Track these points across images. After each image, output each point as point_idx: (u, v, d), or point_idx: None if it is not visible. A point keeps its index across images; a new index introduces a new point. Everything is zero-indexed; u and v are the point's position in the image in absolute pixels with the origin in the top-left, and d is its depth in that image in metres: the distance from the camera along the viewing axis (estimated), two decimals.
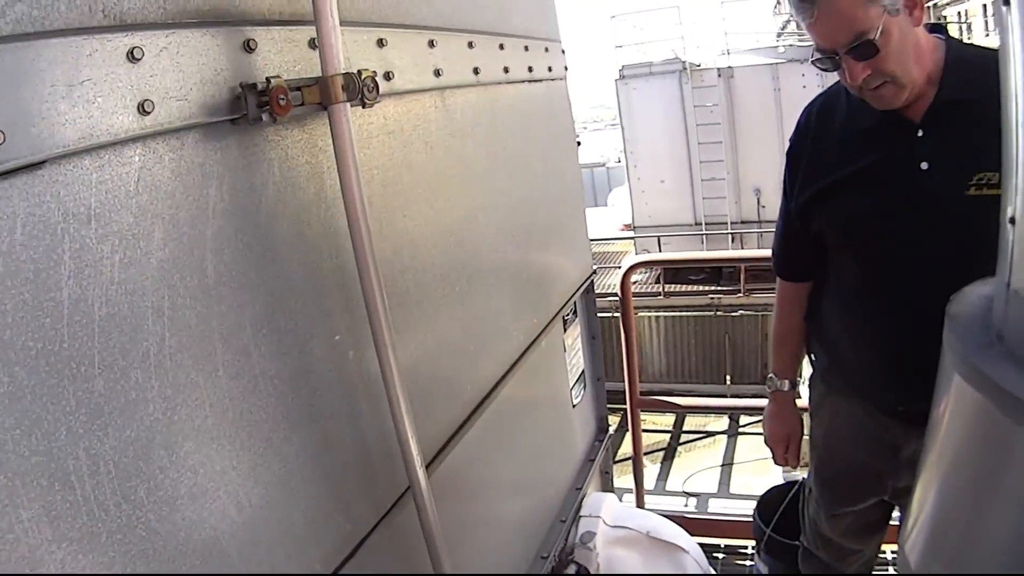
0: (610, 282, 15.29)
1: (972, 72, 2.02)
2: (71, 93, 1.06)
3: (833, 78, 2.16)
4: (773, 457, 2.91)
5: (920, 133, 2.08)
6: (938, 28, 2.18)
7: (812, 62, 2.11)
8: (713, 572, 3.67)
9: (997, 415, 0.95)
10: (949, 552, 1.14)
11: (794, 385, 2.80)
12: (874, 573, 3.06)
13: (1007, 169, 1.00)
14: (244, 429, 1.40)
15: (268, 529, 1.46)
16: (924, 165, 2.07)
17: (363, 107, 1.57)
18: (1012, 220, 0.99)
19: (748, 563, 4.41)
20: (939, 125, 2.07)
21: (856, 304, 2.37)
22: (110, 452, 1.12)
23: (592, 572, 3.25)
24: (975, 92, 1.95)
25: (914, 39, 2.00)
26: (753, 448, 13.53)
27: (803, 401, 2.79)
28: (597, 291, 3.87)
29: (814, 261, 2.50)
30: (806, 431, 2.84)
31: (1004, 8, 0.94)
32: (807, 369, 2.78)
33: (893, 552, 3.43)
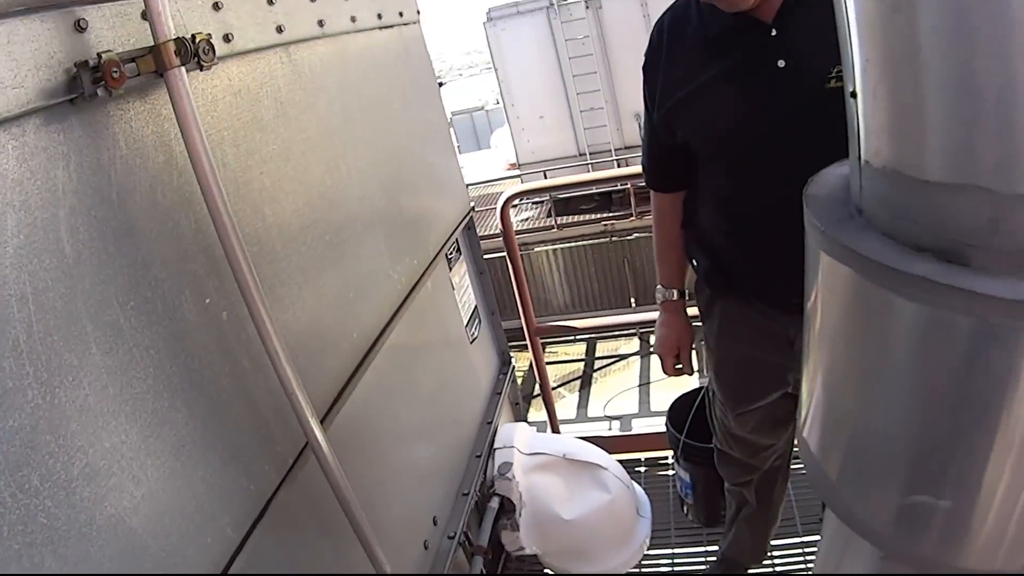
0: (498, 223, 15.29)
1: None
2: None
3: None
4: (662, 366, 2.98)
5: (773, 32, 2.09)
6: None
7: None
8: (636, 484, 3.77)
9: (866, 284, 0.97)
10: (844, 430, 1.16)
11: (682, 294, 2.86)
12: (792, 465, 3.16)
13: (842, 45, 1.03)
14: (127, 403, 1.40)
15: (170, 499, 1.47)
16: (781, 63, 2.09)
17: (200, 70, 1.57)
18: (853, 94, 1.02)
19: (670, 473, 4.48)
20: (792, 23, 2.07)
21: (730, 206, 2.40)
22: None
23: (515, 501, 3.31)
24: None
25: None
26: None
27: (694, 310, 2.83)
28: (488, 232, 3.88)
29: (684, 171, 2.52)
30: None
31: None
32: (692, 277, 2.80)
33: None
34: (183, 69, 1.50)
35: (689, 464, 3.44)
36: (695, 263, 2.66)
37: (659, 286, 2.89)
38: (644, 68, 2.44)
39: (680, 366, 2.97)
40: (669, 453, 4.53)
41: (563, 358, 14.75)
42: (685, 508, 3.69)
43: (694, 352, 2.97)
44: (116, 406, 1.38)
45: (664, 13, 2.39)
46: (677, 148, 2.42)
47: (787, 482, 3.19)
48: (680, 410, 3.50)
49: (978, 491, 0.96)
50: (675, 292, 2.86)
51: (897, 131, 0.96)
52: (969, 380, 0.90)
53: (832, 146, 1.96)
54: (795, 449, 3.09)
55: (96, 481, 1.30)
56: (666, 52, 2.34)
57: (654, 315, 3.01)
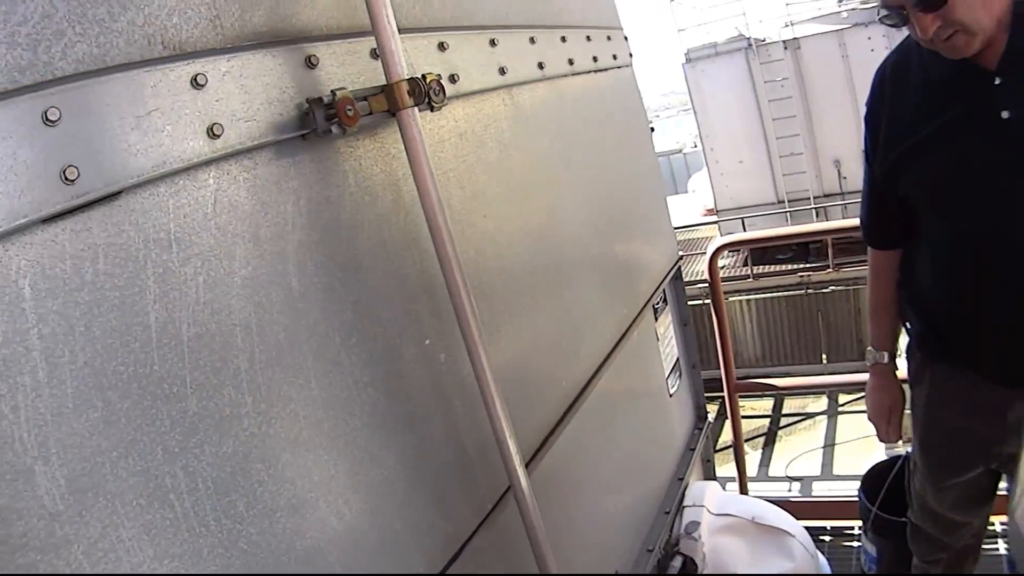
0: (698, 269, 15.13)
1: None
2: (140, 124, 1.08)
3: (902, 36, 2.10)
4: (877, 432, 2.83)
5: (998, 81, 1.99)
6: None
7: (880, 19, 2.06)
8: (820, 555, 3.61)
9: None
10: None
11: (893, 357, 2.72)
12: (983, 545, 2.98)
13: None
14: (340, 438, 1.41)
15: (369, 536, 1.47)
16: (1005, 114, 1.98)
17: (431, 111, 1.58)
18: None
19: (856, 544, 4.31)
20: (1017, 70, 1.98)
21: (950, 267, 2.29)
22: (207, 469, 1.14)
23: (698, 562, 3.21)
24: None
25: None
26: (854, 427, 13.25)
27: (904, 373, 2.70)
28: (685, 279, 3.82)
29: (903, 226, 2.42)
30: (908, 404, 2.75)
31: None
32: (905, 340, 2.68)
33: (1002, 524, 3.33)
34: (416, 109, 1.51)
35: (878, 537, 3.34)
36: (908, 325, 2.57)
37: (870, 348, 2.75)
38: (866, 117, 2.37)
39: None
40: (857, 523, 4.34)
41: (749, 412, 14.40)
42: None
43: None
44: (329, 441, 1.39)
45: (887, 57, 2.33)
46: (896, 203, 2.34)
47: (976, 562, 2.99)
48: (874, 480, 3.38)
49: None
50: (886, 355, 2.71)
51: None
52: None
53: None
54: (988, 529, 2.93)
55: (300, 513, 1.31)
56: (888, 101, 2.28)
57: (849, 377, 2.88)
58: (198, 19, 1.23)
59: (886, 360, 2.71)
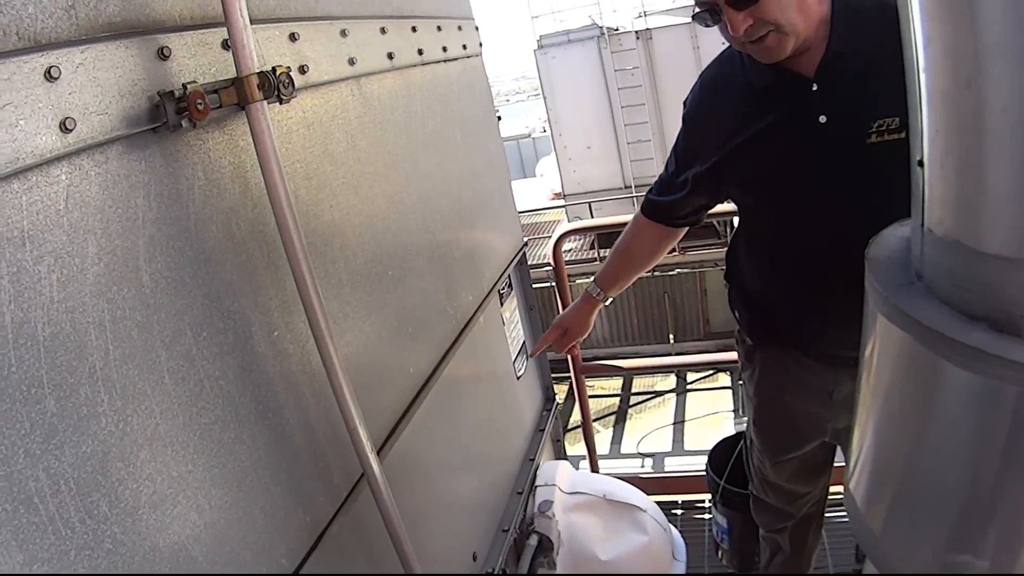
0: (544, 252, 15.27)
1: (861, 20, 2.08)
2: None
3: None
4: (545, 334, 3.10)
5: (815, 87, 2.12)
6: None
7: (693, 18, 2.13)
8: (673, 528, 3.76)
9: (921, 350, 0.99)
10: (891, 487, 1.18)
11: (606, 299, 2.97)
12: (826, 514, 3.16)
13: (912, 114, 1.05)
14: (195, 432, 1.41)
15: (231, 529, 1.48)
16: (822, 118, 2.12)
17: (280, 103, 1.58)
18: (920, 163, 1.04)
19: (707, 516, 4.51)
20: (833, 78, 2.10)
21: (773, 257, 2.45)
22: (69, 470, 1.13)
23: (553, 540, 3.30)
24: (865, 41, 2.03)
25: None
26: (703, 404, 13.70)
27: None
28: (532, 262, 3.89)
29: (690, 214, 2.65)
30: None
31: None
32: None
33: (834, 494, 3.54)
34: (265, 103, 1.51)
35: (727, 509, 3.45)
36: (737, 315, 2.71)
37: (594, 283, 2.96)
38: (685, 118, 2.50)
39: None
40: (706, 497, 4.55)
41: (599, 392, 14.67)
42: (720, 553, 3.70)
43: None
44: (185, 435, 1.38)
45: (708, 67, 2.45)
46: (705, 198, 2.53)
47: (821, 529, 3.20)
48: (721, 454, 3.51)
49: (1018, 554, 0.98)
50: (603, 294, 2.97)
51: (961, 203, 0.99)
52: (1014, 446, 0.93)
53: (871, 199, 2.06)
54: (830, 497, 3.14)
55: (162, 509, 1.31)
56: (708, 108, 2.40)
57: (696, 357, 3.03)
58: (53, 8, 1.20)
59: (599, 297, 2.95)
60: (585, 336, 3.06)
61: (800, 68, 2.13)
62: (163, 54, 1.39)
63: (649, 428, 13.56)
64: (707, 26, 2.11)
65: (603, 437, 13.28)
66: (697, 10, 2.09)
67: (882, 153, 2.06)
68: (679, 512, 4.62)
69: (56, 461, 1.12)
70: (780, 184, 2.27)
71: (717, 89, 2.40)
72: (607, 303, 2.99)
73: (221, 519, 1.45)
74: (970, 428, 0.98)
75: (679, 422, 13.64)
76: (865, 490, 1.26)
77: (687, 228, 2.77)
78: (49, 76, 1.15)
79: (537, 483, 3.47)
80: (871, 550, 1.24)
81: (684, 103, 2.51)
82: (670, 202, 2.63)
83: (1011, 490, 0.95)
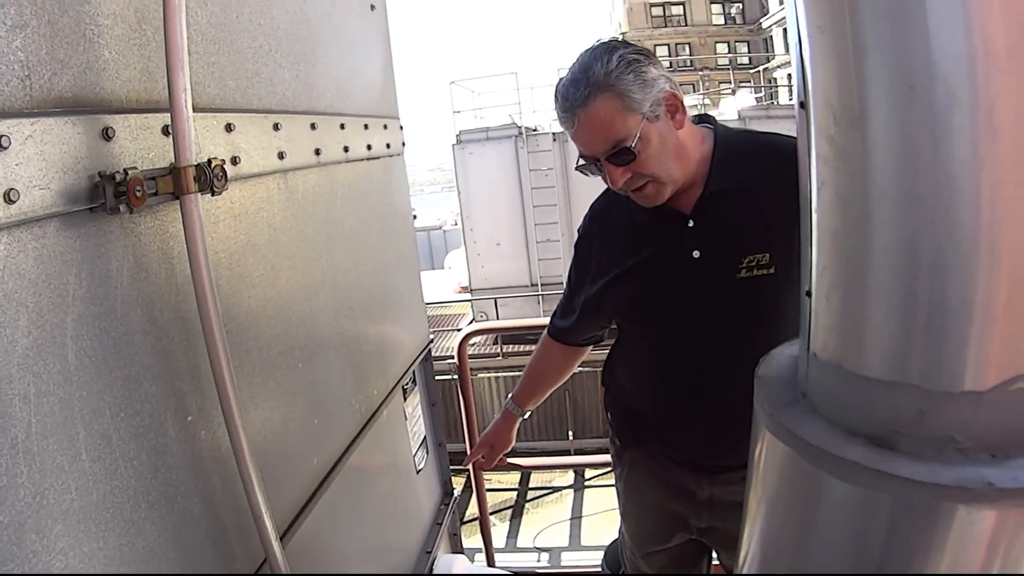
0: (448, 344, 15.34)
1: (738, 161, 2.24)
2: None
3: None
4: (469, 454, 3.36)
5: (691, 224, 2.26)
6: (706, 119, 2.39)
7: (576, 168, 2.26)
8: None
9: (804, 464, 1.06)
10: None
11: (523, 414, 3.17)
12: None
13: (803, 249, 1.15)
14: (108, 510, 1.41)
15: None
16: (696, 253, 2.25)
17: (212, 195, 1.62)
18: (808, 293, 1.13)
19: None
20: (708, 215, 2.25)
21: (644, 376, 2.60)
22: None
23: None
24: (740, 182, 2.20)
25: (675, 140, 2.16)
26: (601, 500, 13.73)
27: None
28: (436, 354, 3.94)
29: (589, 337, 2.83)
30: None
31: (801, 110, 1.08)
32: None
33: None
34: (198, 195, 1.56)
35: None
36: (609, 416, 2.87)
37: (512, 400, 3.13)
38: (576, 246, 2.64)
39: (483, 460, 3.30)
40: None
41: (496, 486, 14.61)
42: None
43: None
44: (97, 513, 1.39)
45: (597, 199, 2.59)
46: (593, 322, 2.69)
47: None
48: (615, 552, 3.51)
49: None
50: (520, 411, 3.16)
51: (843, 331, 1.07)
52: (889, 549, 0.99)
53: (738, 328, 2.26)
54: None
55: None
56: (596, 237, 2.54)
57: (593, 458, 3.12)
58: (10, 77, 1.23)
59: (517, 413, 3.13)
60: (509, 449, 3.24)
61: (678, 205, 2.27)
62: (107, 135, 1.43)
63: (546, 523, 13.55)
64: (589, 176, 2.25)
65: (500, 530, 13.21)
66: (581, 161, 2.22)
67: (750, 287, 2.20)
68: None
69: None
70: (655, 311, 2.42)
71: (603, 220, 2.54)
72: (525, 417, 3.16)
73: None
74: (850, 535, 1.04)
75: (576, 517, 13.66)
76: None
77: (591, 346, 2.92)
78: None
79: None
80: None
81: (578, 233, 2.65)
82: (568, 327, 2.80)
83: None
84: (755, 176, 2.22)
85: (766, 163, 2.20)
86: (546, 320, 2.98)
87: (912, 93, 0.88)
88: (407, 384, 3.43)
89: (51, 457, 1.29)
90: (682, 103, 2.18)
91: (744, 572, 1.35)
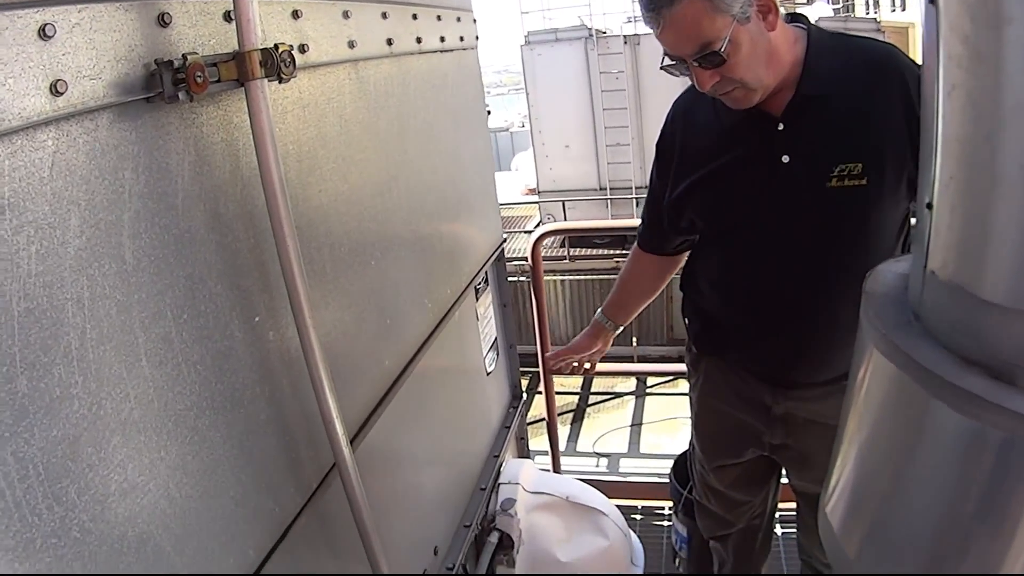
0: (516, 246, 15.35)
1: (831, 66, 2.13)
2: None
3: None
4: (555, 355, 3.23)
5: (781, 127, 2.16)
6: (798, 17, 2.26)
7: (661, 68, 2.15)
8: (632, 533, 3.76)
9: (916, 389, 0.99)
10: (869, 515, 1.19)
11: (616, 328, 3.09)
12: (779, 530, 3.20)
13: (924, 157, 1.05)
14: (170, 419, 1.36)
15: (199, 520, 1.43)
16: (785, 158, 2.16)
17: (279, 83, 1.52)
18: (929, 205, 1.03)
19: (667, 523, 4.53)
20: (799, 120, 2.15)
21: (726, 284, 2.51)
22: (38, 454, 1.08)
23: (514, 538, 3.29)
24: (834, 87, 2.10)
25: (766, 44, 2.05)
26: (662, 408, 13.78)
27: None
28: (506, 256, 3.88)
29: (676, 244, 2.70)
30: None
31: (929, 5, 0.98)
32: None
33: (784, 511, 3.56)
34: (265, 81, 1.46)
35: (688, 519, 3.45)
36: (687, 322, 2.79)
37: (601, 311, 3.06)
38: (657, 147, 2.54)
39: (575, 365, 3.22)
40: (667, 504, 4.55)
41: (559, 388, 14.74)
42: (677, 561, 3.73)
43: None
44: (159, 422, 1.33)
45: (680, 96, 2.49)
46: (677, 226, 2.55)
47: (768, 544, 3.24)
48: (684, 464, 3.49)
49: None
50: (612, 324, 3.08)
51: (966, 249, 0.98)
52: (996, 491, 0.93)
53: (826, 241, 2.18)
54: (781, 514, 3.22)
55: (131, 497, 1.26)
56: (680, 136, 2.44)
57: (660, 366, 3.09)
58: None
59: (609, 327, 3.05)
60: (591, 357, 3.19)
61: (768, 107, 2.17)
62: (163, 20, 1.34)
63: (606, 428, 13.65)
64: (676, 76, 2.15)
65: (560, 433, 13.35)
66: (667, 61, 2.11)
67: (840, 196, 2.11)
68: (639, 518, 4.64)
69: (25, 445, 1.06)
70: (739, 218, 2.33)
71: (687, 119, 2.44)
72: (618, 331, 3.10)
73: (191, 509, 1.40)
74: (954, 468, 0.99)
75: (636, 424, 13.75)
76: (842, 515, 1.26)
77: (683, 255, 2.80)
78: (43, 34, 1.09)
79: (500, 481, 3.46)
80: (843, 573, 1.25)
81: (660, 133, 2.56)
82: (654, 234, 2.72)
83: (986, 532, 0.96)
84: (849, 82, 2.13)
85: (860, 69, 2.14)
86: (618, 223, 2.90)
87: None
88: (479, 284, 3.37)
89: (107, 365, 1.22)
90: (775, 3, 2.05)
91: (833, 496, 1.30)
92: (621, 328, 3.09)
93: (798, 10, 2.42)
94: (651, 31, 2.07)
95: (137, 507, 1.27)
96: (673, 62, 2.09)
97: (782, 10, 2.11)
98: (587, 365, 3.21)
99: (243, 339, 1.58)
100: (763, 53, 2.04)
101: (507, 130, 33.94)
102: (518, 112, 32.81)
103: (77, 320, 1.17)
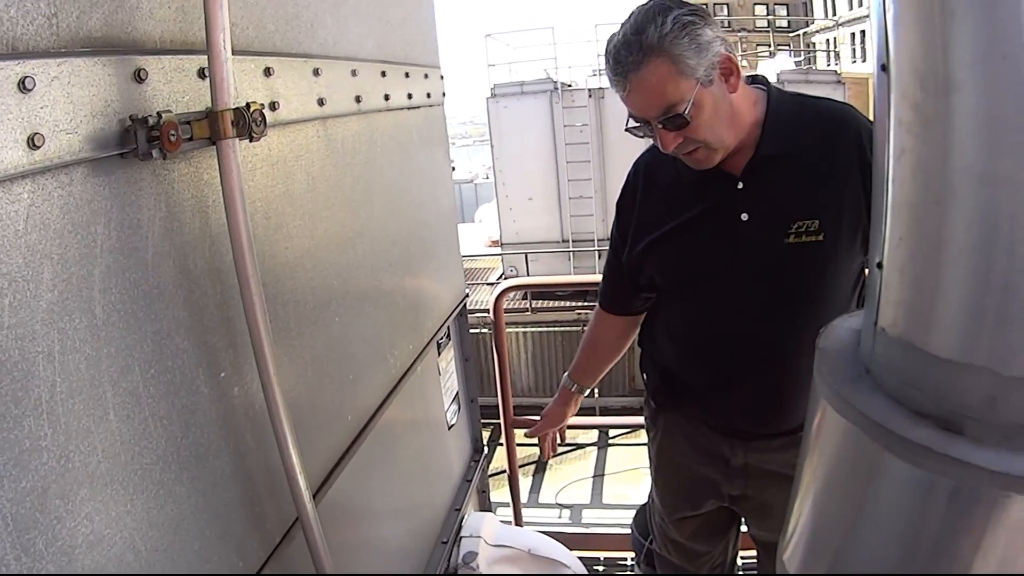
0: (478, 298, 15.37)
1: (789, 126, 2.19)
2: None
3: None
4: (541, 445, 3.18)
5: (740, 186, 2.21)
6: (758, 79, 2.33)
7: (626, 130, 2.20)
8: None
9: (866, 442, 1.02)
10: (825, 563, 1.22)
11: (582, 391, 3.08)
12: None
13: (875, 221, 1.09)
14: (136, 472, 1.36)
15: (165, 572, 1.43)
16: (744, 216, 2.20)
17: (250, 141, 1.55)
18: (879, 265, 1.08)
19: (629, 574, 4.55)
20: (758, 178, 2.19)
21: (685, 339, 2.54)
22: (7, 504, 1.08)
23: None
24: (792, 147, 2.15)
25: (728, 105, 2.10)
26: (625, 458, 13.77)
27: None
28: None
29: (639, 303, 2.70)
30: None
31: (882, 73, 1.02)
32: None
33: (745, 559, 3.59)
34: (236, 140, 1.48)
35: (650, 569, 3.43)
36: (645, 377, 2.80)
37: (568, 377, 3.06)
38: (618, 204, 2.56)
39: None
40: (629, 555, 4.55)
41: (520, 441, 14.65)
42: None
43: None
44: (126, 475, 1.33)
45: (643, 154, 2.51)
46: (638, 284, 2.56)
47: None
48: (644, 515, 3.50)
49: None
50: (577, 387, 3.06)
51: (915, 307, 1.02)
52: (947, 538, 0.96)
53: (784, 295, 2.22)
54: (744, 561, 3.17)
55: (98, 550, 1.26)
56: (641, 194, 2.47)
57: (622, 419, 3.09)
58: (35, 15, 1.15)
59: (576, 391, 3.05)
60: (563, 424, 3.18)
61: (728, 167, 2.22)
62: (139, 76, 1.36)
63: (569, 479, 13.59)
64: (640, 137, 2.20)
65: (522, 485, 13.25)
66: (631, 123, 2.16)
67: (798, 253, 2.16)
68: (601, 569, 4.65)
69: None
70: (699, 274, 2.36)
71: (648, 177, 2.47)
72: (584, 395, 3.10)
73: (156, 562, 1.40)
74: (906, 517, 1.02)
75: (599, 475, 13.70)
76: (799, 563, 1.29)
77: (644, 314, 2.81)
78: (23, 87, 1.10)
79: (462, 534, 3.45)
80: None
81: (621, 191, 2.58)
82: (615, 293, 2.73)
83: None
84: (807, 142, 2.18)
85: (818, 129, 2.19)
86: (579, 278, 2.93)
87: (1005, 63, 0.83)
88: (442, 339, 3.39)
89: (76, 418, 1.23)
90: (737, 66, 2.11)
91: (791, 544, 1.33)
92: (588, 389, 3.10)
93: (761, 64, 2.49)
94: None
95: (103, 559, 1.27)
96: (637, 124, 2.13)
97: (744, 72, 2.17)
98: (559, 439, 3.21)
99: (209, 394, 1.59)
100: (725, 115, 2.09)
101: (471, 181, 34.07)
102: (483, 164, 32.97)
103: (47, 373, 1.17)
